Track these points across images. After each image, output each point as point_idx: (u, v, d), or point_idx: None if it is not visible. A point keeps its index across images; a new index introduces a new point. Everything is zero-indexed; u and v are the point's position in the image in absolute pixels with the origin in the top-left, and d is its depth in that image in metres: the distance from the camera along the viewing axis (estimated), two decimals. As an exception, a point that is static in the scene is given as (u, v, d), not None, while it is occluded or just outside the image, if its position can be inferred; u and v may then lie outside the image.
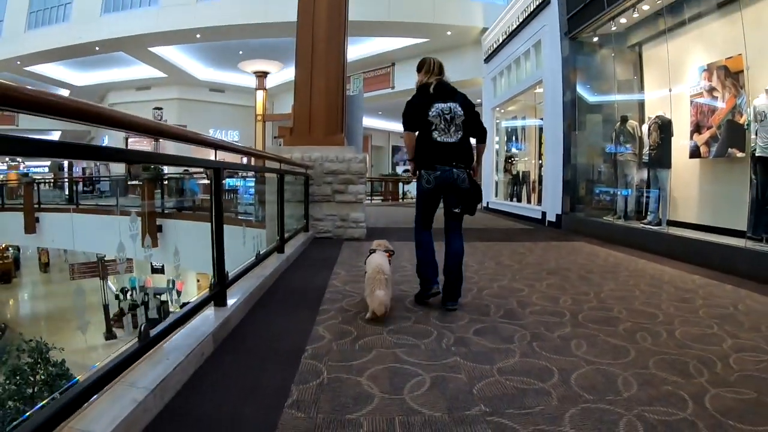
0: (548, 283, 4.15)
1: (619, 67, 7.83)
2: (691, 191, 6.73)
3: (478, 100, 16.00)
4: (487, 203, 13.65)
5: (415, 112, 3.27)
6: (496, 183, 13.69)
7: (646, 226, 6.68)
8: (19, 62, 18.13)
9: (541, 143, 11.14)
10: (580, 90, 8.29)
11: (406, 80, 17.39)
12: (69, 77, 21.25)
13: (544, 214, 9.48)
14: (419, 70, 3.42)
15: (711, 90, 6.30)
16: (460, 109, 3.24)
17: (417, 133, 3.30)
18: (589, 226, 7.79)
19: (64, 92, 22.79)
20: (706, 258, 5.15)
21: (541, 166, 11.06)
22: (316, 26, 7.23)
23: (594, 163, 8.35)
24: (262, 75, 18.06)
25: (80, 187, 17.89)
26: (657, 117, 6.62)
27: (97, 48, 16.78)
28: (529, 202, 11.68)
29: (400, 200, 19.00)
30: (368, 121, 27.91)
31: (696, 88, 6.52)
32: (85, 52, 17.40)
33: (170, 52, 18.65)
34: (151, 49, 17.55)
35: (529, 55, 10.48)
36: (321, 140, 6.94)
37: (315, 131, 7.03)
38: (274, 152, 6.61)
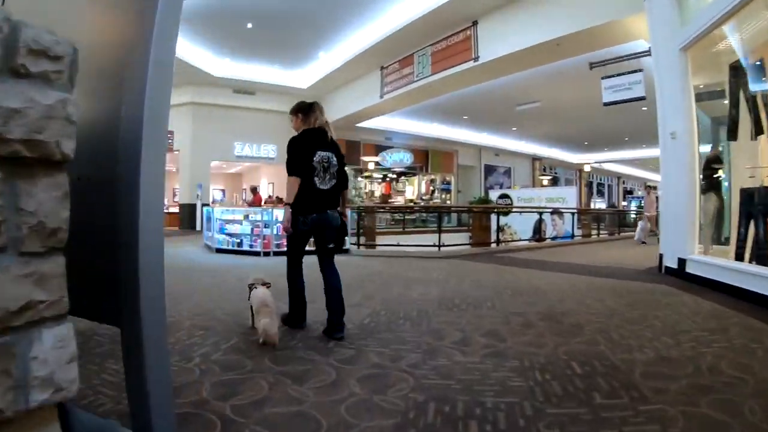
0: None
1: None
2: None
3: (640, 50, 8.85)
4: (680, 262, 6.23)
5: (302, 155, 3.41)
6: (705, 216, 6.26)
7: None
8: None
9: None
10: None
11: (497, 45, 10.68)
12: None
13: None
14: (301, 112, 3.65)
15: None
16: (335, 159, 3.54)
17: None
18: None
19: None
20: None
21: None
22: None
23: None
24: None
25: None
26: None
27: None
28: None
29: (495, 243, 11.89)
30: (451, 132, 21.44)
31: None
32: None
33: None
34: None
35: None
36: None
37: None
38: None
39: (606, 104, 9.38)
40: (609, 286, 5.55)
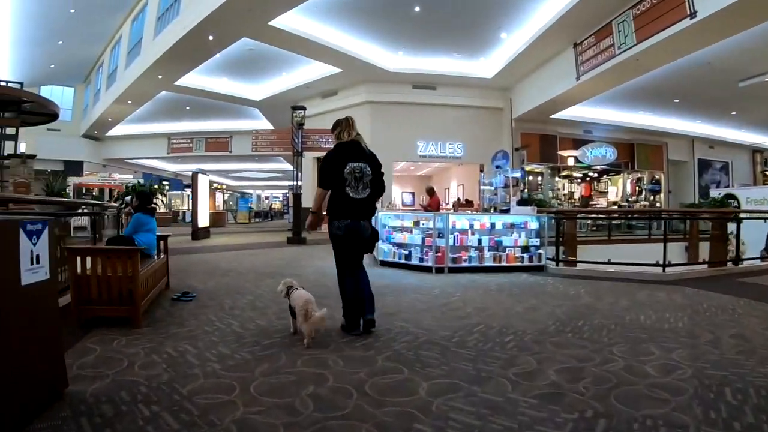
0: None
1: None
2: None
3: None
4: None
5: (333, 169, 3.79)
6: None
7: None
8: (160, 76, 16.68)
9: None
10: None
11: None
12: (241, 91, 19.35)
13: None
14: (334, 129, 4.03)
15: None
16: (369, 169, 3.87)
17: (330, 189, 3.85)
18: None
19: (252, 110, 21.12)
20: None
21: None
22: None
23: None
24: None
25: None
26: None
27: (210, 37, 13.33)
28: None
29: (735, 261, 8.87)
30: (659, 121, 18.82)
31: None
32: (201, 46, 13.99)
33: (320, 30, 13.38)
34: (280, 25, 12.56)
35: None
36: None
37: None
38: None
39: None
40: None
